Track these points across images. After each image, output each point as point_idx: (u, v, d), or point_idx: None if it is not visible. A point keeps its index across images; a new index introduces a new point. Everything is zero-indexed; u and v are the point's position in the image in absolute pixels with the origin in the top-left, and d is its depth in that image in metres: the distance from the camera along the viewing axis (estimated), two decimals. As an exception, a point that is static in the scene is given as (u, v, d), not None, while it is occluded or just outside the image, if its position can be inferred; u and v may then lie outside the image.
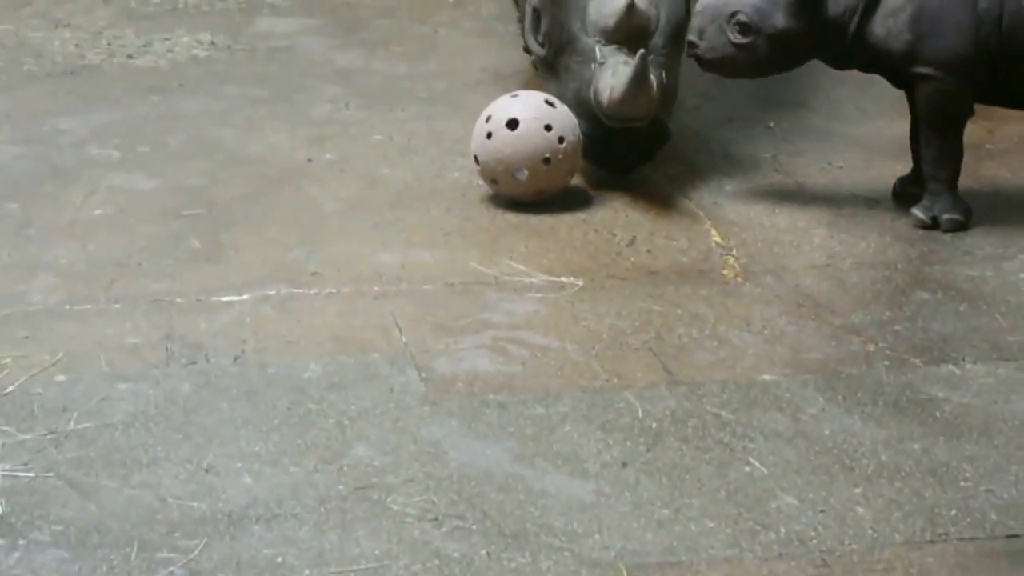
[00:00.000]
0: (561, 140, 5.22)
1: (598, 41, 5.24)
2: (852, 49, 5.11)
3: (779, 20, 5.08)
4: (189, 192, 5.45)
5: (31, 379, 4.11)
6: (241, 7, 7.89)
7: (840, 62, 5.23)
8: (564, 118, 5.25)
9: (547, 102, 5.28)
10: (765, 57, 5.16)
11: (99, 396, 4.03)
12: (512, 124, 5.23)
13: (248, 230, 5.12)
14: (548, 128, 5.22)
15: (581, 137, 5.28)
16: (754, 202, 5.37)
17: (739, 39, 5.12)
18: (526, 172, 5.21)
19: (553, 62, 5.45)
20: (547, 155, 5.22)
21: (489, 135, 5.26)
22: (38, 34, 7.36)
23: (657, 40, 5.29)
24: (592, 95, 5.21)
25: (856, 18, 5.07)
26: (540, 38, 5.48)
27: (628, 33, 5.20)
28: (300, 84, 6.69)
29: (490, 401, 4.03)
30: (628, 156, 5.39)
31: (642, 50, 5.11)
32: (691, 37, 5.22)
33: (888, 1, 5.05)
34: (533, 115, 5.24)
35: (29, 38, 7.30)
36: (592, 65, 5.23)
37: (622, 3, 5.19)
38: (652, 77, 5.12)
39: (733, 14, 5.11)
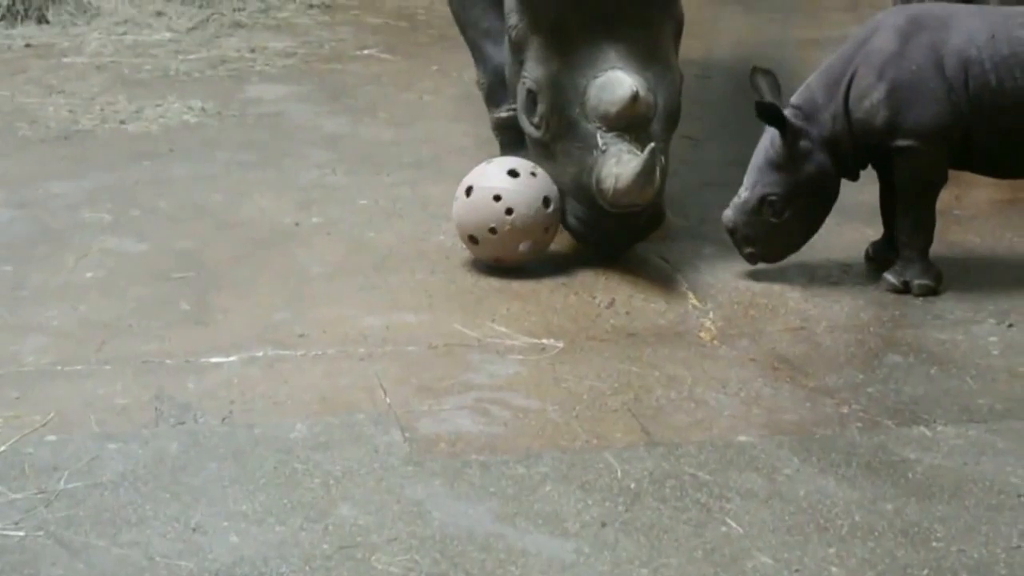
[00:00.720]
0: (509, 212, 5.20)
1: (599, 127, 5.21)
2: (852, 148, 5.11)
3: (796, 175, 5.08)
4: (179, 255, 5.46)
5: (22, 439, 4.10)
6: (231, 74, 7.93)
7: (851, 171, 5.22)
8: (522, 190, 5.22)
9: (511, 172, 5.27)
10: (811, 212, 5.17)
11: (89, 456, 4.02)
12: (468, 191, 5.27)
13: (236, 293, 5.13)
14: (497, 199, 5.21)
15: (544, 211, 5.23)
16: (730, 266, 5.39)
17: (781, 217, 5.11)
18: (478, 239, 5.24)
19: (550, 145, 5.38)
20: (493, 225, 5.23)
21: (455, 199, 5.30)
22: (33, 100, 7.39)
23: (656, 126, 5.27)
24: (594, 182, 5.17)
25: (842, 119, 5.08)
26: (536, 120, 5.40)
27: (630, 121, 5.18)
28: (288, 149, 6.71)
29: (472, 461, 4.03)
30: (623, 239, 5.38)
31: (653, 144, 5.04)
32: (747, 249, 5.18)
33: (856, 88, 5.07)
34: (488, 184, 5.26)
35: (24, 104, 7.32)
36: (594, 152, 5.19)
37: (627, 92, 5.15)
38: (658, 164, 5.11)
39: (760, 201, 5.10)
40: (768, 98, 5.12)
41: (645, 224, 5.34)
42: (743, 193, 5.16)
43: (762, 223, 5.14)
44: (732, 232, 5.20)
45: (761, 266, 5.37)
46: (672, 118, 5.36)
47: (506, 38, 5.56)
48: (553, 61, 5.31)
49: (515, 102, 5.96)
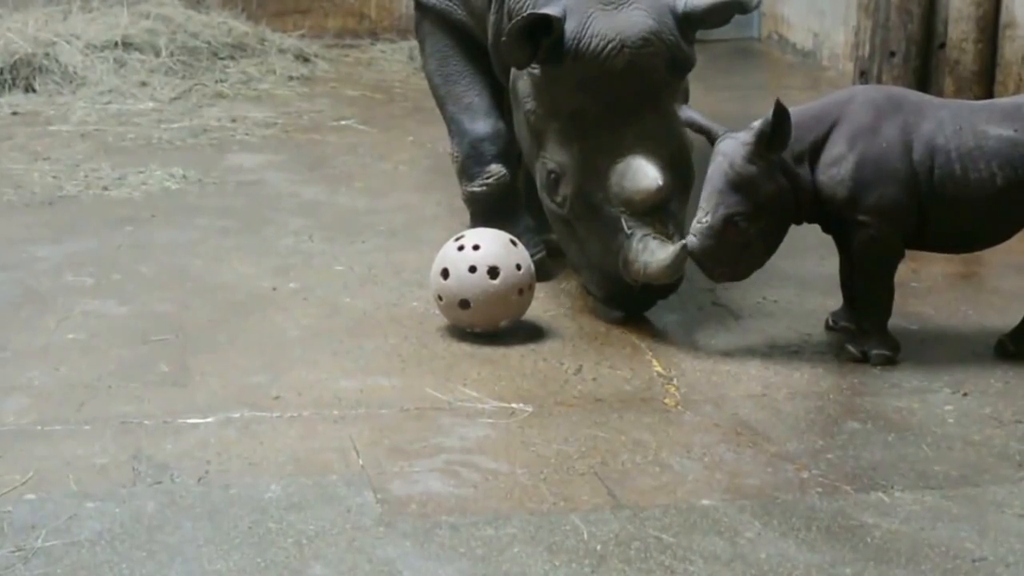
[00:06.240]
0: (445, 275, 5.26)
1: (622, 211, 5.21)
2: (805, 197, 5.07)
3: (757, 194, 4.97)
4: (158, 318, 5.43)
5: (1, 498, 4.07)
6: (212, 143, 7.93)
7: (797, 214, 5.17)
8: (460, 269, 5.24)
9: (460, 247, 5.30)
10: (773, 229, 5.08)
11: (67, 514, 3.99)
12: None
13: (214, 355, 5.11)
14: (443, 273, 5.28)
15: (472, 277, 5.23)
16: (694, 334, 5.40)
17: (746, 237, 5.01)
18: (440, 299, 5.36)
19: (574, 223, 5.40)
20: (439, 294, 5.31)
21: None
22: (18, 166, 7.37)
23: (673, 203, 5.29)
24: (621, 263, 5.22)
25: (805, 166, 5.07)
26: (559, 199, 5.40)
27: (653, 206, 5.20)
28: (267, 216, 6.71)
29: (442, 522, 4.01)
30: (645, 302, 5.46)
31: (683, 242, 5.06)
32: (717, 270, 5.06)
33: (830, 150, 5.06)
34: (440, 258, 5.32)
35: (9, 170, 7.30)
36: (619, 235, 5.22)
37: (651, 185, 5.15)
38: (685, 258, 5.13)
39: (725, 223, 4.98)
40: (708, 123, 5.11)
41: (668, 289, 5.39)
42: (705, 219, 5.01)
43: (729, 245, 5.03)
44: (700, 257, 5.04)
45: (723, 335, 5.39)
46: (687, 191, 5.40)
47: (524, 120, 5.54)
48: (574, 145, 5.32)
49: (488, 176, 5.99)
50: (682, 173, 5.36)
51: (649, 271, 5.16)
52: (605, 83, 5.24)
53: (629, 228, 5.21)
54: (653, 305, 5.50)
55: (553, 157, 5.39)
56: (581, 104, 5.28)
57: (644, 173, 5.19)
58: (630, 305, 5.47)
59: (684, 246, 5.08)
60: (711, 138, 5.11)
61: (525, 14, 5.28)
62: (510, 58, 5.41)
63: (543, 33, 5.21)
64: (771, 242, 5.15)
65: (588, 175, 5.29)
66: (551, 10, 5.23)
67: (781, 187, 5.04)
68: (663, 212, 5.24)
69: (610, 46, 5.22)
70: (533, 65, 5.34)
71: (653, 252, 5.15)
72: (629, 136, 5.26)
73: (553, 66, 5.28)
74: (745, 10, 5.39)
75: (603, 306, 5.53)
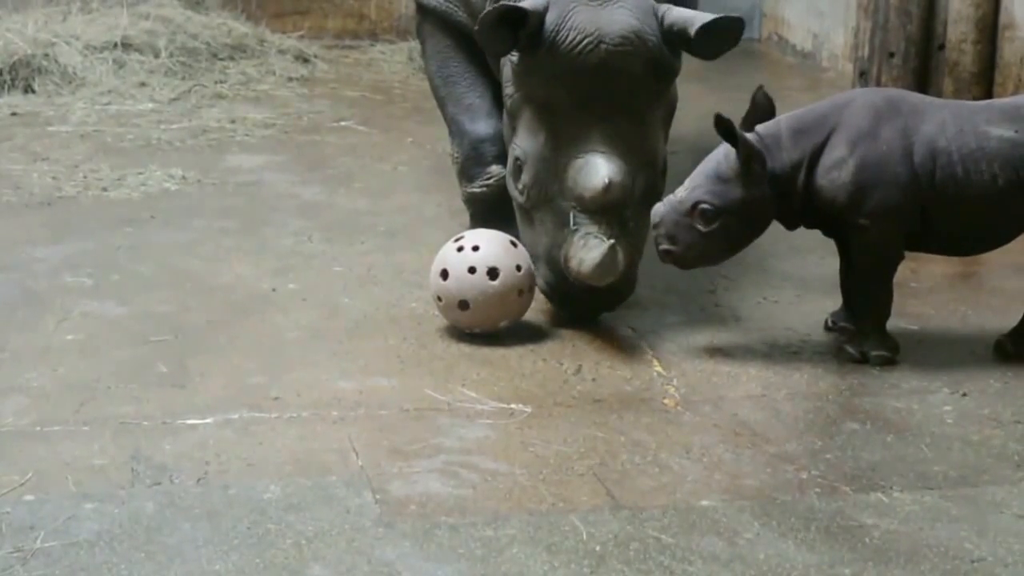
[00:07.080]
0: (445, 276, 5.26)
1: (573, 207, 5.22)
2: (801, 203, 5.09)
3: (737, 193, 5.01)
4: (157, 319, 5.43)
5: (0, 499, 4.06)
6: (212, 144, 7.93)
7: (791, 220, 5.19)
8: (459, 269, 5.24)
9: (459, 248, 5.31)
10: (737, 233, 5.08)
11: (66, 515, 3.98)
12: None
13: (213, 356, 5.11)
14: (443, 274, 5.28)
15: (471, 278, 5.22)
16: (693, 334, 5.40)
17: (708, 227, 5.01)
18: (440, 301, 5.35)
19: (530, 212, 5.42)
20: (439, 295, 5.30)
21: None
22: (17, 167, 7.36)
23: (629, 211, 5.25)
24: (562, 258, 5.22)
25: (802, 172, 5.07)
26: (520, 187, 5.42)
27: (603, 206, 5.19)
28: (266, 217, 6.71)
29: (441, 523, 4.00)
30: (590, 308, 5.42)
31: (612, 241, 5.09)
32: (664, 245, 5.07)
33: (830, 154, 5.06)
34: (439, 259, 5.32)
35: (8, 170, 7.29)
36: (565, 229, 5.22)
37: (599, 183, 5.14)
38: (620, 255, 5.12)
39: (694, 207, 5.00)
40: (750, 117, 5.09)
41: (612, 297, 5.35)
42: (680, 193, 5.05)
43: (688, 227, 5.03)
44: (657, 226, 5.08)
45: (723, 335, 5.38)
46: (649, 202, 5.31)
47: (503, 104, 5.58)
48: (541, 135, 5.32)
49: (488, 177, 6.00)
50: (645, 182, 5.32)
51: (581, 269, 5.14)
52: (578, 77, 5.21)
53: (575, 224, 5.20)
54: (597, 314, 5.45)
55: (520, 144, 5.40)
56: (553, 96, 5.27)
57: (597, 172, 5.17)
58: (571, 306, 5.43)
59: (612, 247, 5.07)
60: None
61: (498, 4, 5.27)
62: (487, 48, 5.42)
63: (519, 24, 5.21)
64: (733, 244, 5.14)
65: (548, 166, 5.29)
66: (529, 3, 5.23)
67: (762, 196, 5.04)
68: (613, 215, 5.21)
69: (586, 41, 5.20)
70: (513, 52, 5.35)
71: (590, 250, 5.14)
72: (596, 134, 5.23)
73: (530, 55, 5.28)
74: (688, 45, 5.28)
75: (549, 302, 5.51)
